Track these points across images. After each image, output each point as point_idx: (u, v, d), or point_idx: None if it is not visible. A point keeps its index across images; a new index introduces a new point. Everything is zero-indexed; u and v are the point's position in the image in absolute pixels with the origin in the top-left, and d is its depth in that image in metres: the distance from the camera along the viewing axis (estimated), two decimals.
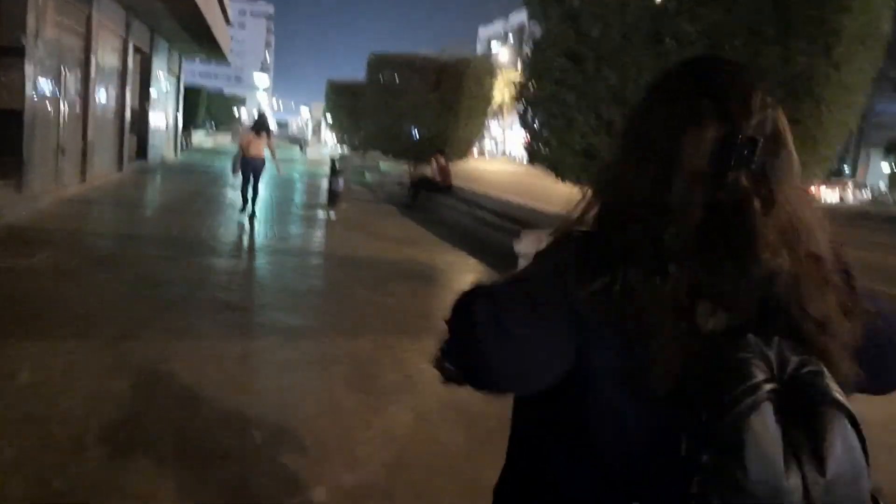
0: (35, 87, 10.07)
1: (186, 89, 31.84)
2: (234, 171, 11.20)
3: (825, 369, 0.80)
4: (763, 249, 0.82)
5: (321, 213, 13.47)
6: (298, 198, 16.76)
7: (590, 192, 0.97)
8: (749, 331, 0.81)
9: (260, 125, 11.36)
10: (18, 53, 9.56)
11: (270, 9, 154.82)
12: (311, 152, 44.98)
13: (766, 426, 0.74)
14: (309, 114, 68.16)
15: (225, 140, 50.79)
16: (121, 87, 16.51)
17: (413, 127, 18.04)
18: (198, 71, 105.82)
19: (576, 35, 7.43)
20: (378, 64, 19.15)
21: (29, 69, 9.74)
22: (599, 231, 0.93)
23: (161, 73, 22.08)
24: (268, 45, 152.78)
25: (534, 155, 8.32)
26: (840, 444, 0.74)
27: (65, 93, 11.72)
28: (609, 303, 0.84)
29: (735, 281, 0.82)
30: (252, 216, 11.01)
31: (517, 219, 9.96)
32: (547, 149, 8.02)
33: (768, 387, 0.76)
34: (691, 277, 0.83)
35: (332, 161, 14.77)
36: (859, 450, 0.77)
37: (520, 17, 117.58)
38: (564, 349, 0.88)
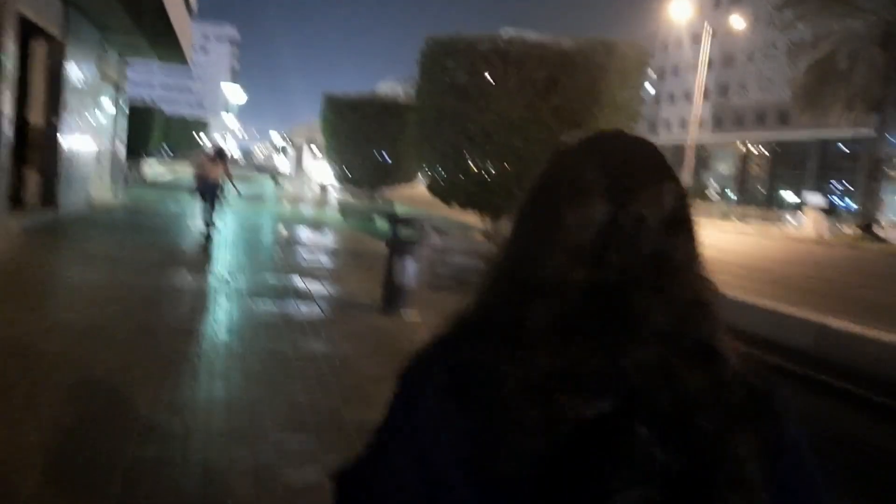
0: None
1: (134, 108, 24.20)
2: (193, 192, 12.28)
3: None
4: (640, 337, 0.73)
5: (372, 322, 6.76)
6: (279, 277, 9.07)
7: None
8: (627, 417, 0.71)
9: (218, 153, 12.25)
10: None
11: (235, 33, 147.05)
12: (292, 186, 37.48)
13: None
14: (283, 140, 60.69)
15: (185, 170, 42.99)
16: None
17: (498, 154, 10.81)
18: (156, 96, 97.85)
19: None
20: (438, 54, 11.69)
21: None
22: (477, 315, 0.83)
23: (85, 73, 14.51)
24: (233, 70, 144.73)
25: None
26: None
27: None
28: (460, 392, 0.76)
29: (603, 369, 0.73)
30: (208, 239, 11.43)
31: None
32: None
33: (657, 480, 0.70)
34: (551, 362, 0.73)
35: (393, 217, 7.96)
36: None
37: None
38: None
